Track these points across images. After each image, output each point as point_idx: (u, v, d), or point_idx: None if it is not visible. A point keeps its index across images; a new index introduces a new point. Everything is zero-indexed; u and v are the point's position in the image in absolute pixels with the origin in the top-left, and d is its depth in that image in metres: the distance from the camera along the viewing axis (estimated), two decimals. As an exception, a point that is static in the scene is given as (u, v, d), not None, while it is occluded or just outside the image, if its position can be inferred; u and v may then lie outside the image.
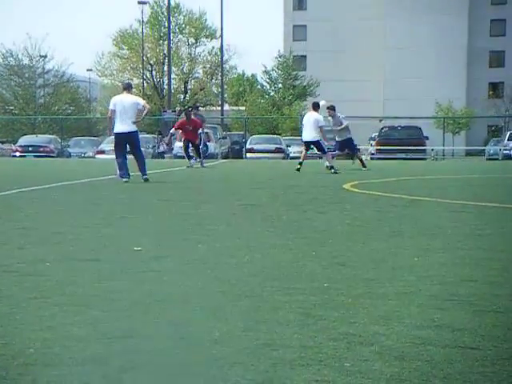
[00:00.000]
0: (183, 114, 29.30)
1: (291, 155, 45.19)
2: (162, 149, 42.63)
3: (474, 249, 6.19)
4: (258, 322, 3.76)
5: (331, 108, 22.77)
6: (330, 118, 23.08)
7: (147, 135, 50.85)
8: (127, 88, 16.12)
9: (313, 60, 79.10)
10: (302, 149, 22.11)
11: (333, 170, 19.88)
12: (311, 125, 20.52)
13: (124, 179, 15.27)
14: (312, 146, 20.91)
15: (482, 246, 6.39)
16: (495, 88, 79.15)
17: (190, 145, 24.24)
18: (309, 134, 20.54)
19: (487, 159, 45.78)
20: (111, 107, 15.62)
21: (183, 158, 26.22)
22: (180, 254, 5.89)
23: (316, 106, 21.12)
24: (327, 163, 20.66)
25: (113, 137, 16.01)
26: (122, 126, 15.46)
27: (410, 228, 7.70)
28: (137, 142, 15.84)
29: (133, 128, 15.52)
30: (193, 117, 26.64)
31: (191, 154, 24.78)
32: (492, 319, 3.81)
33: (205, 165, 24.09)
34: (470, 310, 4.01)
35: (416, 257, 5.75)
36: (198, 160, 24.33)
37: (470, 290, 4.51)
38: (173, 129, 25.17)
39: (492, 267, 5.28)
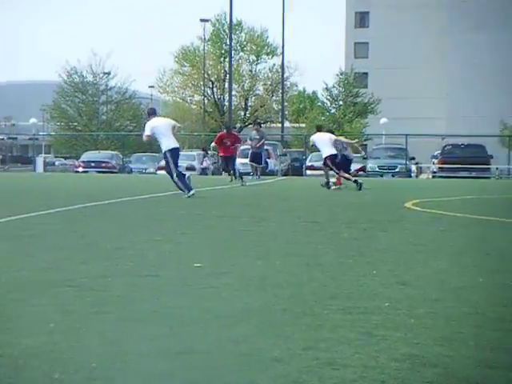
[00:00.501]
0: (253, 128, 28.93)
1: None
2: (205, 165, 42.88)
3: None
4: (319, 340, 3.73)
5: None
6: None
7: (208, 152, 51.21)
8: (154, 113, 17.04)
9: (374, 77, 78.76)
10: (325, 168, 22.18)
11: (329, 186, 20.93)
12: (327, 142, 21.24)
13: (192, 192, 15.60)
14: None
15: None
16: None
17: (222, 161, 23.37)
18: (330, 149, 21.17)
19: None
20: (148, 133, 16.20)
21: (244, 174, 26.23)
22: (239, 271, 5.88)
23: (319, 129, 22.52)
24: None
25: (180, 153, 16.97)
26: (173, 142, 16.18)
27: (474, 248, 7.57)
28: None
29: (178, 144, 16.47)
30: (254, 132, 26.66)
31: (240, 170, 24.90)
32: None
33: (247, 183, 22.55)
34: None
35: (480, 277, 5.64)
36: (239, 180, 22.64)
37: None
38: (213, 143, 24.47)
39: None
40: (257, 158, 27.14)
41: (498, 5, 74.48)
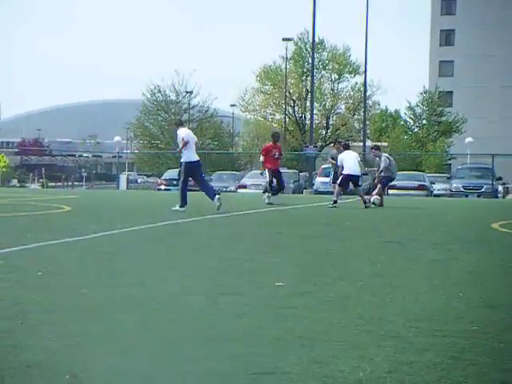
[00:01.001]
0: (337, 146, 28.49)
1: (435, 192, 44.34)
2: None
3: None
4: (403, 363, 3.62)
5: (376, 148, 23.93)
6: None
7: (288, 170, 51.26)
8: (183, 124, 17.84)
9: (459, 96, 77.68)
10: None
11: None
12: (355, 161, 21.27)
13: (182, 209, 16.27)
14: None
15: None
16: None
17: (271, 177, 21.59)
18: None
19: None
20: (187, 139, 16.53)
21: (324, 193, 26.10)
22: (322, 291, 5.80)
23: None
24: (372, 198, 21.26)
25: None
26: (196, 155, 16.80)
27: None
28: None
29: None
30: (335, 151, 26.35)
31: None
32: None
33: (272, 201, 20.99)
34: None
35: None
36: (267, 195, 21.46)
37: None
38: (261, 156, 22.54)
39: None
40: (337, 177, 26.80)
41: None
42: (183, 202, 16.44)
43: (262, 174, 23.14)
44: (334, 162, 26.75)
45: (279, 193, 22.23)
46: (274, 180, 21.85)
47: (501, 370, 3.52)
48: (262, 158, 22.35)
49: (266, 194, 21.77)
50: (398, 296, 5.61)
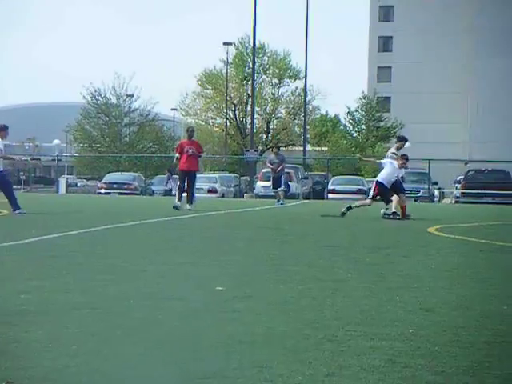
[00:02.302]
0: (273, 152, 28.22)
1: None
2: (169, 186, 42.99)
3: None
4: (342, 367, 3.69)
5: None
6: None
7: (229, 174, 51.30)
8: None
9: (397, 101, 78.72)
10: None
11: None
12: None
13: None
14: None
15: None
16: None
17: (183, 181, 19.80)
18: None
19: None
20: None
21: (265, 197, 26.18)
22: (262, 295, 5.86)
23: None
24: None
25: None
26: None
27: (499, 275, 7.50)
28: None
29: None
30: (273, 156, 26.29)
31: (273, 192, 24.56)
32: None
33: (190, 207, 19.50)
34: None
35: (505, 305, 5.58)
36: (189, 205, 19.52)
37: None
38: (176, 153, 20.57)
39: None
40: (277, 182, 26.73)
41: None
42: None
43: (166, 184, 22.11)
44: (271, 166, 26.87)
45: (188, 198, 19.72)
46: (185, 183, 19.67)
47: (436, 372, 3.62)
48: (176, 157, 20.25)
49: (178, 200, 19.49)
50: (337, 300, 5.69)
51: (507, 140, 69.98)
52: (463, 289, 6.44)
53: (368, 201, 18.70)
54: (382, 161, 19.02)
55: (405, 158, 18.54)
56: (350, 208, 18.20)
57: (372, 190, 18.34)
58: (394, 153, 18.65)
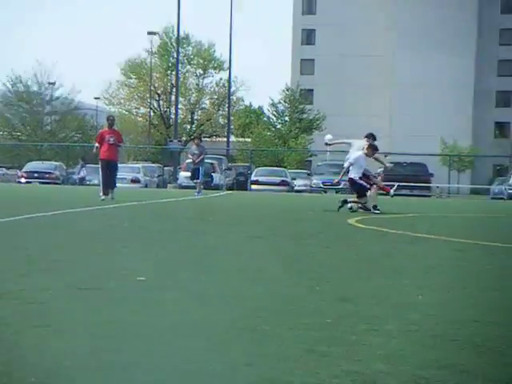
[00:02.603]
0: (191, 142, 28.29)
1: (296, 188, 45.27)
2: (82, 174, 42.90)
3: (478, 289, 6.15)
4: (261, 356, 3.73)
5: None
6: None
7: (153, 165, 51.00)
8: None
9: (320, 94, 79.47)
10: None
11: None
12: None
13: None
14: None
15: (485, 286, 6.36)
16: (501, 128, 79.44)
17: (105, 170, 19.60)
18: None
19: (492, 198, 45.78)
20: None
21: (189, 187, 26.14)
22: (183, 285, 5.87)
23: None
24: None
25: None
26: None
27: (415, 265, 7.67)
28: None
29: None
30: (194, 147, 26.16)
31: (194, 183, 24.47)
32: (495, 361, 3.77)
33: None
34: (474, 351, 3.98)
35: (419, 295, 5.72)
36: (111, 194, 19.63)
37: (473, 330, 4.47)
38: (96, 143, 20.25)
39: (495, 307, 5.25)
40: (195, 173, 26.62)
41: (444, 26, 75.83)
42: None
43: (79, 172, 22.08)
44: (191, 157, 26.85)
45: (109, 189, 19.65)
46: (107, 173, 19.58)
47: (352, 361, 3.69)
48: (96, 146, 20.06)
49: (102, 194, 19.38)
50: (257, 290, 5.74)
51: (424, 134, 71.33)
52: (381, 279, 6.57)
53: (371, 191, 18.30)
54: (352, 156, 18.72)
55: (373, 147, 18.55)
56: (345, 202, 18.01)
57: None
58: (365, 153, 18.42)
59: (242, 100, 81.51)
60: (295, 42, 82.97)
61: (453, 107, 75.20)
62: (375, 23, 78.80)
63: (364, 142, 18.64)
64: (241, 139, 75.98)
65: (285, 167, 54.25)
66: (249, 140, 70.86)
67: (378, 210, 17.79)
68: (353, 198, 18.47)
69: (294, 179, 46.85)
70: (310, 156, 65.71)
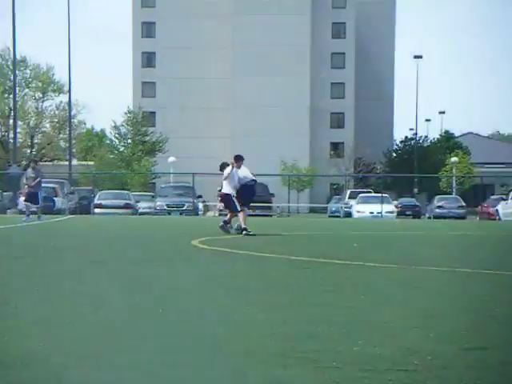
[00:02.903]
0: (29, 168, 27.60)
1: (140, 211, 44.99)
2: None
3: (316, 305, 6.32)
4: (96, 381, 3.70)
5: None
6: None
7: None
8: None
9: (162, 116, 79.47)
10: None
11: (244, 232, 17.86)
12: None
13: None
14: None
15: (323, 302, 6.54)
16: (336, 148, 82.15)
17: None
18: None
19: (329, 216, 47.17)
20: None
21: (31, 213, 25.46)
22: (22, 313, 5.72)
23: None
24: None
25: None
26: None
27: (257, 284, 7.80)
28: None
29: None
30: (30, 170, 25.63)
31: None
32: (332, 375, 3.90)
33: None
34: (312, 366, 4.09)
35: (262, 313, 5.83)
36: None
37: (313, 346, 4.59)
38: None
39: (333, 323, 5.41)
40: (33, 197, 25.92)
41: (279, 50, 77.75)
42: None
43: None
44: (27, 182, 26.15)
45: None
46: None
47: (195, 382, 3.72)
48: None
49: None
50: (99, 315, 5.67)
51: (264, 155, 72.50)
52: (224, 298, 6.65)
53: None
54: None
55: (237, 158, 18.69)
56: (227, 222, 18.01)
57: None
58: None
59: (84, 123, 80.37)
60: (136, 65, 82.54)
61: (291, 129, 77.06)
62: (215, 46, 79.73)
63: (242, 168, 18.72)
64: (83, 162, 74.74)
65: (128, 190, 53.83)
66: (92, 163, 69.84)
67: (250, 231, 17.73)
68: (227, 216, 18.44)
69: (138, 202, 46.55)
70: (154, 178, 65.50)
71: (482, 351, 4.49)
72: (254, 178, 18.61)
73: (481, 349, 4.56)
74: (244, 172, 18.66)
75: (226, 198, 18.36)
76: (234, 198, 18.08)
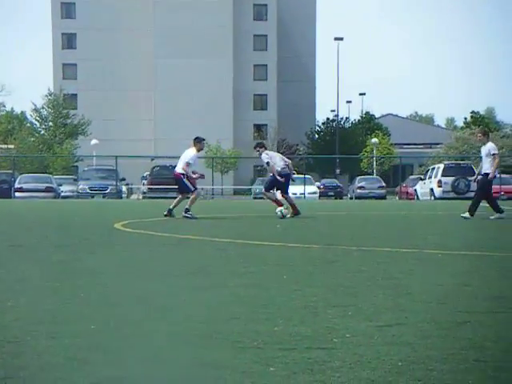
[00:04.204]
0: None
1: (62, 194, 44.40)
2: None
3: (239, 286, 6.35)
4: (20, 368, 3.65)
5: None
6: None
7: None
8: None
9: (84, 99, 78.41)
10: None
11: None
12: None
13: None
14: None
15: (246, 283, 6.58)
16: (259, 130, 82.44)
17: None
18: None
19: (254, 198, 47.31)
20: None
21: None
22: None
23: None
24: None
25: None
26: None
27: (179, 267, 7.79)
28: None
29: None
30: None
31: None
32: (252, 355, 3.93)
33: None
34: (233, 346, 4.12)
35: (184, 296, 5.84)
36: None
37: (234, 327, 4.62)
38: None
39: (255, 304, 5.46)
40: None
41: (202, 32, 77.42)
42: None
43: None
44: None
45: None
46: None
47: (115, 366, 3.71)
48: None
49: None
50: (19, 300, 5.59)
51: (188, 137, 72.25)
52: (146, 282, 6.63)
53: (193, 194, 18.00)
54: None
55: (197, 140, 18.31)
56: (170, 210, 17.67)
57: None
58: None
59: (4, 105, 78.77)
60: (56, 46, 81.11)
61: (215, 110, 76.98)
62: (137, 28, 78.89)
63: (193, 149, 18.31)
64: (3, 146, 73.28)
65: (50, 173, 53.00)
66: (12, 146, 68.54)
67: (192, 214, 17.47)
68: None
69: (61, 185, 45.90)
70: (76, 161, 64.70)
71: (399, 327, 4.59)
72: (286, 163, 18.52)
73: (398, 325, 4.66)
74: (280, 160, 18.60)
75: (178, 179, 17.96)
76: (186, 179, 17.79)
